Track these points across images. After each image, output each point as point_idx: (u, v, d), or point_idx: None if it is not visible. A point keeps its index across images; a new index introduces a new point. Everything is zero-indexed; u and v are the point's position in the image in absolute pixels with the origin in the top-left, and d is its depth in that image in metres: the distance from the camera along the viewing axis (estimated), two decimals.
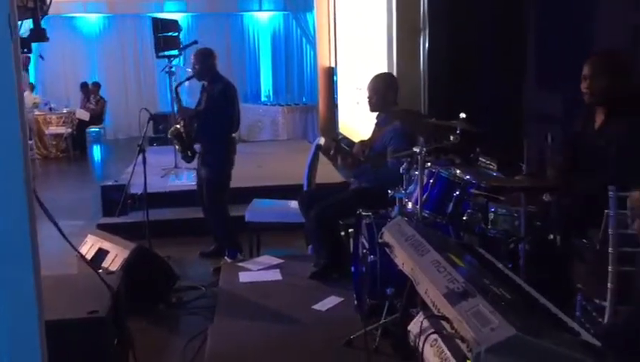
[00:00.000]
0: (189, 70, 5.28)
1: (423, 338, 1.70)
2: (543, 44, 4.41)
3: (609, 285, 2.59)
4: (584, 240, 2.90)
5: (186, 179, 6.69)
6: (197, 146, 4.96)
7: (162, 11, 12.29)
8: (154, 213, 4.84)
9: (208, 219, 4.98)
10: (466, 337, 1.38)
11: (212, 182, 4.79)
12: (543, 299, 1.78)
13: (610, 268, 2.58)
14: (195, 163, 5.15)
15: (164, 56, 8.45)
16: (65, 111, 11.11)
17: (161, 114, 10.97)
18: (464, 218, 3.15)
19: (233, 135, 4.93)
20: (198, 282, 4.35)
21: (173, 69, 7.98)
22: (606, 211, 2.60)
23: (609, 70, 2.98)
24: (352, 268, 3.57)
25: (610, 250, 2.57)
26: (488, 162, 3.76)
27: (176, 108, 5.29)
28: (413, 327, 2.01)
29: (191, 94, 6.81)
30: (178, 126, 4.98)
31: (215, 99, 4.73)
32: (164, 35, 8.50)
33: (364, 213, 3.38)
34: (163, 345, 3.52)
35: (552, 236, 2.89)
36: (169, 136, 5.19)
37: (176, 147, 5.22)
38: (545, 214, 3.04)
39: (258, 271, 4.33)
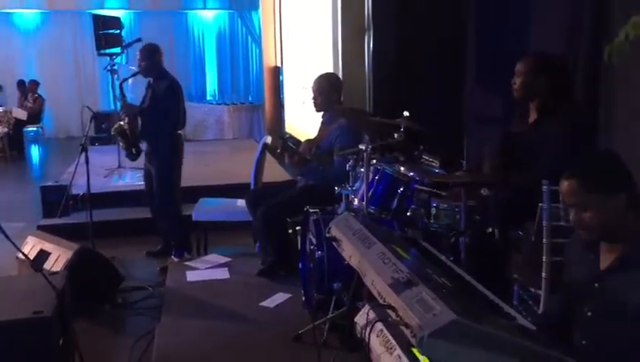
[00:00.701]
0: (132, 68, 5.21)
1: (369, 327, 1.76)
2: (482, 45, 4.57)
3: (543, 275, 2.73)
4: (520, 233, 3.04)
5: (130, 178, 6.59)
6: (143, 145, 4.89)
7: (103, 8, 11.99)
8: (97, 213, 4.75)
9: (158, 219, 4.92)
10: (410, 323, 1.45)
11: (162, 180, 4.74)
12: (482, 287, 1.87)
13: (544, 258, 2.73)
14: (140, 162, 5.08)
15: (105, 54, 8.27)
16: (1, 110, 10.70)
17: (104, 113, 10.73)
18: (408, 213, 3.25)
19: (179, 132, 4.89)
20: (145, 282, 4.30)
21: (115, 67, 7.82)
22: (540, 204, 2.74)
23: (538, 69, 3.13)
24: (300, 265, 3.62)
25: (544, 241, 2.72)
26: (431, 159, 3.88)
27: (120, 106, 5.19)
28: (360, 319, 2.07)
29: (135, 92, 6.70)
30: (122, 123, 4.89)
31: (161, 96, 4.68)
32: (105, 32, 8.32)
33: (311, 210, 3.43)
34: (109, 346, 3.47)
35: (490, 229, 3.01)
36: (113, 133, 5.09)
37: (121, 145, 5.13)
38: (484, 208, 3.17)
39: (206, 269, 4.32)
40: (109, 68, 7.78)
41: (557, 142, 3.10)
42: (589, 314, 1.86)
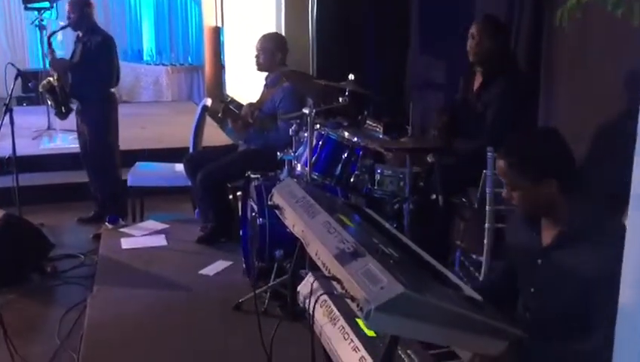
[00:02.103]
0: (62, 23, 4.90)
1: (313, 299, 1.69)
2: (425, 10, 4.51)
3: (485, 241, 2.74)
4: (464, 200, 3.04)
5: (61, 141, 6.26)
6: (73, 103, 4.62)
7: None
8: (24, 178, 4.51)
9: (93, 182, 4.68)
10: (356, 296, 1.38)
11: (96, 141, 4.50)
12: (428, 257, 1.83)
13: (486, 225, 2.73)
14: (71, 124, 4.81)
15: (33, 9, 7.76)
16: None
17: (31, 71, 10.11)
18: (352, 180, 3.19)
19: (113, 90, 4.64)
20: (76, 250, 4.11)
21: (44, 22, 7.36)
22: (484, 171, 2.73)
23: (495, 32, 3.13)
24: (241, 232, 3.52)
25: (487, 208, 2.72)
26: (375, 125, 3.82)
27: (48, 61, 4.88)
28: (303, 288, 1.99)
29: (65, 48, 6.33)
30: (51, 79, 4.60)
31: (92, 51, 4.42)
32: None
33: (252, 176, 3.33)
34: (37, 318, 3.30)
35: (434, 196, 3.00)
36: (40, 90, 4.78)
37: (49, 103, 4.83)
38: (428, 175, 3.15)
39: (142, 236, 4.16)
40: (36, 23, 7.31)
41: (499, 109, 3.11)
42: (532, 290, 1.87)
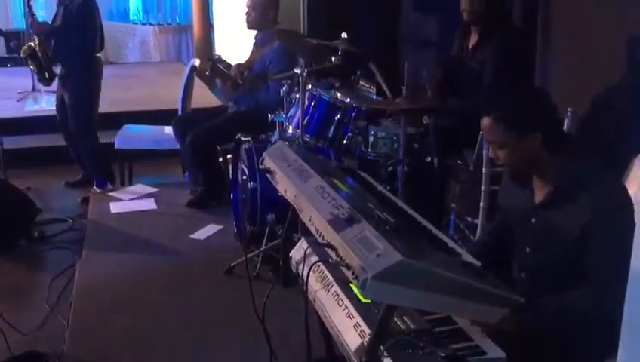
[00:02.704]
0: None
1: (307, 267, 1.64)
2: None
3: (481, 203, 2.70)
4: (459, 162, 2.99)
5: (46, 103, 6.12)
6: (57, 69, 4.47)
7: None
8: (9, 141, 4.45)
9: (73, 148, 4.58)
10: (351, 264, 1.33)
11: (77, 107, 4.37)
12: (425, 221, 1.78)
13: (482, 187, 2.68)
14: (56, 87, 4.67)
15: None
16: None
17: (13, 31, 9.84)
18: (345, 142, 3.13)
19: (98, 54, 4.49)
20: (64, 214, 4.04)
21: None
22: (481, 132, 2.66)
23: None
24: (231, 195, 3.46)
25: (483, 170, 2.66)
26: (368, 85, 3.73)
27: (29, 25, 4.71)
28: (296, 254, 1.95)
29: (47, 9, 6.13)
30: (32, 44, 4.44)
31: (74, 13, 4.25)
32: None
33: (243, 138, 3.26)
34: (25, 284, 3.25)
35: (429, 158, 2.94)
36: (22, 56, 4.63)
37: (32, 68, 4.68)
38: (423, 137, 3.08)
39: (131, 200, 4.10)
40: None
41: (496, 68, 3.04)
42: (528, 250, 1.87)
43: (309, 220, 1.61)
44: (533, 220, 1.82)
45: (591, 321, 1.64)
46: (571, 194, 1.71)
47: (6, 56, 9.35)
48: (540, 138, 1.72)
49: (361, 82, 3.71)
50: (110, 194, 4.20)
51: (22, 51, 4.58)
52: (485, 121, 1.79)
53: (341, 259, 1.38)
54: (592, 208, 1.64)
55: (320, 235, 1.52)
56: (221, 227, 3.63)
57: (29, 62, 4.56)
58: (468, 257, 1.58)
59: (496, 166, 2.64)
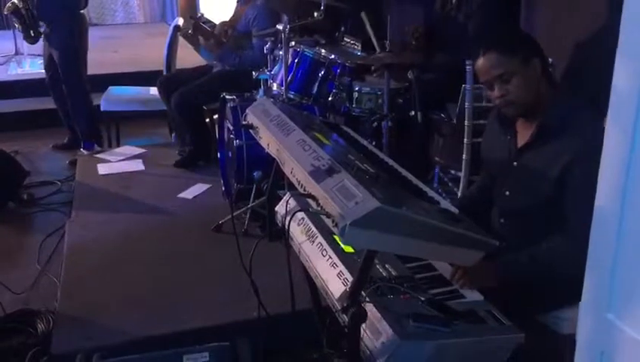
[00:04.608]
0: None
1: (288, 217, 1.67)
2: None
3: (464, 156, 2.73)
4: (442, 115, 3.01)
5: (30, 66, 6.05)
6: (42, 27, 4.41)
7: None
8: None
9: (63, 109, 4.55)
10: (331, 213, 1.36)
11: (67, 65, 4.33)
12: (405, 172, 1.81)
13: (465, 140, 2.71)
14: (39, 49, 4.61)
15: None
16: None
17: None
18: (329, 98, 3.13)
19: (82, 12, 4.43)
20: (52, 177, 4.05)
21: None
22: (463, 85, 2.68)
23: None
24: (218, 154, 3.48)
25: (465, 122, 2.69)
26: (353, 42, 3.71)
27: None
28: (280, 208, 1.98)
29: None
30: (16, 1, 4.37)
31: None
32: None
33: (228, 97, 3.25)
34: (16, 245, 3.28)
35: (413, 112, 2.96)
36: (6, 13, 4.55)
37: (17, 26, 4.61)
38: (407, 91, 3.09)
39: (118, 161, 4.10)
40: None
41: (481, 20, 3.03)
42: (507, 193, 1.90)
43: (291, 172, 1.63)
44: (515, 163, 1.85)
45: (566, 269, 1.66)
46: (555, 132, 1.73)
47: None
48: (539, 65, 1.77)
49: (345, 38, 3.70)
50: (98, 156, 4.20)
51: (5, 8, 4.50)
52: (484, 59, 1.79)
53: (321, 208, 1.41)
54: (575, 148, 1.67)
55: (301, 186, 1.55)
56: (209, 186, 3.65)
57: (13, 20, 4.49)
58: (446, 204, 1.62)
59: (478, 119, 2.67)
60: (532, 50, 1.80)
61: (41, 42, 4.50)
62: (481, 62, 1.80)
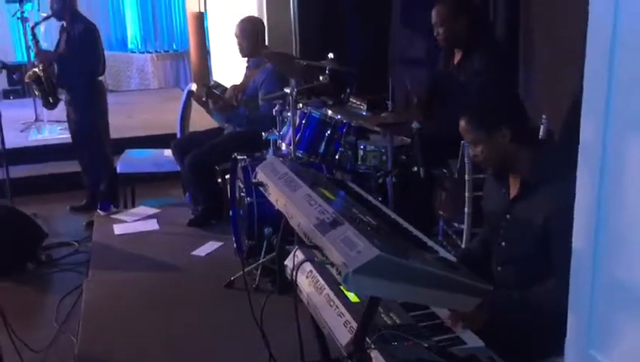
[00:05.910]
0: (44, 14, 4.90)
1: (297, 268, 1.76)
2: None
3: (466, 210, 2.82)
4: (444, 171, 3.12)
5: (49, 132, 6.27)
6: (62, 94, 4.65)
7: None
8: (15, 170, 4.58)
9: (86, 171, 4.72)
10: (335, 262, 1.45)
11: (88, 129, 4.53)
12: (406, 224, 1.91)
13: (466, 194, 2.81)
14: (59, 115, 4.83)
15: (14, 1, 7.69)
16: None
17: (15, 64, 10.05)
18: (336, 157, 3.26)
19: (100, 78, 4.66)
20: (70, 238, 4.17)
21: (25, 14, 7.31)
22: (462, 141, 2.80)
23: (455, 11, 3.15)
24: (230, 212, 3.59)
25: (466, 177, 2.79)
26: (359, 102, 3.87)
27: (33, 53, 4.89)
28: (289, 261, 2.07)
29: (49, 40, 6.32)
30: (37, 70, 4.62)
31: (77, 39, 4.44)
32: None
33: (239, 157, 3.39)
34: (35, 304, 3.37)
35: (415, 168, 3.07)
36: (27, 81, 4.80)
37: (36, 93, 4.85)
38: (410, 148, 3.21)
39: (134, 222, 4.22)
40: (18, 15, 7.26)
41: (481, 84, 3.16)
42: (503, 244, 1.99)
43: (298, 225, 1.73)
44: (508, 216, 1.95)
45: (555, 313, 1.73)
46: (536, 186, 1.84)
47: (8, 88, 9.55)
48: (508, 134, 1.87)
49: (351, 99, 3.86)
50: (114, 216, 4.32)
51: (27, 77, 4.75)
52: (461, 123, 1.95)
53: (326, 258, 1.51)
54: (555, 199, 1.76)
55: (307, 238, 1.65)
56: (221, 243, 3.74)
57: (34, 87, 4.73)
58: (444, 253, 1.70)
59: (478, 173, 2.78)
60: (501, 120, 1.88)
61: (59, 109, 4.72)
62: (460, 124, 1.96)
